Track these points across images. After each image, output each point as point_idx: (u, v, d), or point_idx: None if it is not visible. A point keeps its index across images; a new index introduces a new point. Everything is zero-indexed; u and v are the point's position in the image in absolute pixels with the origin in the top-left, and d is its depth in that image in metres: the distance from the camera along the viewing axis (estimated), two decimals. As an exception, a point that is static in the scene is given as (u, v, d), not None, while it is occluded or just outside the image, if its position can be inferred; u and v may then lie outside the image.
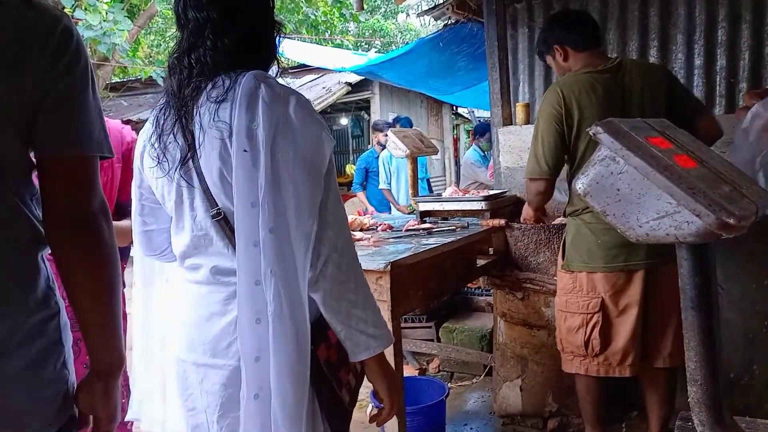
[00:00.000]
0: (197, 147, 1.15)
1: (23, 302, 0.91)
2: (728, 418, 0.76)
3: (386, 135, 5.78)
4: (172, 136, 1.18)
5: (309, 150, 1.14)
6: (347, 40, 14.96)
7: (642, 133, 0.70)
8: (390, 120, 6.58)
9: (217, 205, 1.16)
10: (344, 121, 12.98)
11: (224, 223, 1.16)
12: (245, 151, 1.10)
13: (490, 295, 3.43)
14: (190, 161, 1.16)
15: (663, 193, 0.65)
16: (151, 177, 1.24)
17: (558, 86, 2.19)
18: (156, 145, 1.20)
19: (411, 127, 5.50)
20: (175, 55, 1.22)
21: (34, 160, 0.95)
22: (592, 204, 0.70)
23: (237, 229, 1.10)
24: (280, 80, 1.23)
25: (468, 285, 3.91)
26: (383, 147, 5.83)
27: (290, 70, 11.30)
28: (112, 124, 1.76)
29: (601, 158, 0.69)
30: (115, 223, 1.04)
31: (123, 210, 1.76)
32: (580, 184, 0.72)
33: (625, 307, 2.14)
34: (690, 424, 0.80)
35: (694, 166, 0.68)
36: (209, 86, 1.16)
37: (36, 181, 0.95)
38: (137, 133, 1.35)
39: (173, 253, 1.28)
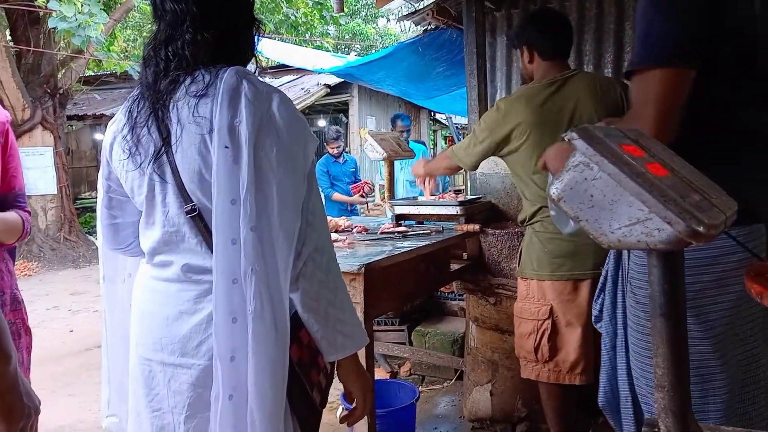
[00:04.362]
0: (173, 141, 1.13)
1: None
2: (694, 424, 0.77)
3: (338, 147, 5.67)
4: (146, 128, 1.15)
5: (293, 148, 1.13)
6: (327, 42, 14.94)
7: (616, 141, 0.71)
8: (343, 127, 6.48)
9: (192, 201, 1.14)
10: (322, 122, 12.98)
11: (198, 219, 1.14)
12: (226, 147, 1.08)
13: (463, 300, 3.44)
14: (165, 155, 1.14)
15: (635, 200, 0.66)
16: (120, 169, 1.21)
17: (501, 102, 2.31)
18: (128, 137, 1.17)
19: (410, 123, 5.51)
20: (151, 46, 1.20)
21: None
22: (566, 209, 0.71)
23: (215, 227, 1.09)
24: (259, 78, 1.22)
25: (441, 289, 3.93)
26: (334, 157, 5.67)
27: (269, 70, 11.25)
28: None
29: (575, 164, 0.70)
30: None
31: (6, 201, 1.60)
32: (554, 189, 0.72)
33: (573, 316, 2.18)
34: (656, 430, 0.81)
35: (666, 175, 0.69)
36: (188, 80, 1.14)
37: None
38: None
39: (140, 248, 1.26)
